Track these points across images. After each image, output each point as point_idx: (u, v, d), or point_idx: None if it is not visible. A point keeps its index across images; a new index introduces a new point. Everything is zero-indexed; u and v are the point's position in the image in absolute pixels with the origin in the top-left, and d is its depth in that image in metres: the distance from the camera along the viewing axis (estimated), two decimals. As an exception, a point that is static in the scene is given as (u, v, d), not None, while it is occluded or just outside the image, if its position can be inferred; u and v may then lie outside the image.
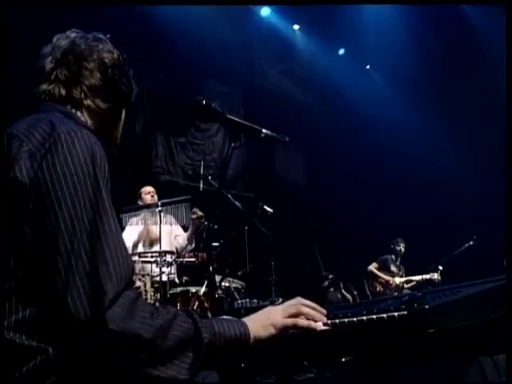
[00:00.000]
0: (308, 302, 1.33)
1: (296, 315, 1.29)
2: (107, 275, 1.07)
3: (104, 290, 1.06)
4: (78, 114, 1.33)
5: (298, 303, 1.32)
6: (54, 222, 1.07)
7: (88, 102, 1.34)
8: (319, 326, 1.28)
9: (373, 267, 7.61)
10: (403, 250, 7.69)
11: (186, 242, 5.12)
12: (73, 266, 1.06)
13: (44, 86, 1.33)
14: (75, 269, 1.06)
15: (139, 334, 1.08)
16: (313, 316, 1.30)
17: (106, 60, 1.37)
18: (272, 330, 1.26)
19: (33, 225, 1.08)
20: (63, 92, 1.32)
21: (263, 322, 1.26)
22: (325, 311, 1.31)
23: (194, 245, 5.14)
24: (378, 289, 7.46)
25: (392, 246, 7.74)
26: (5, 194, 1.10)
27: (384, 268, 7.61)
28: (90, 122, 1.36)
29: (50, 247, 1.07)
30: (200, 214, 4.74)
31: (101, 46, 1.38)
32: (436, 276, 7.15)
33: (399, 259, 7.71)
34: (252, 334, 1.23)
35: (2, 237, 1.09)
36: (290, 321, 1.28)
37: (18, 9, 4.56)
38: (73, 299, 1.05)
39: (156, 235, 4.91)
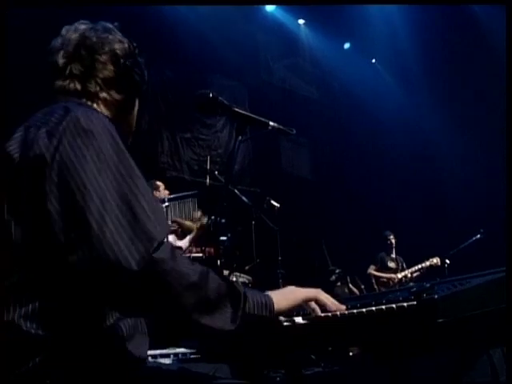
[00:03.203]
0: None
1: (315, 299, 1.33)
2: (151, 224, 1.10)
3: (151, 235, 1.08)
4: (95, 105, 1.36)
5: (319, 290, 1.35)
6: (84, 192, 1.08)
7: (103, 94, 1.37)
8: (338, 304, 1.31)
9: (372, 270, 7.48)
10: (394, 241, 7.54)
11: (187, 244, 5.16)
12: (117, 226, 1.07)
13: (59, 82, 1.35)
14: (118, 224, 1.07)
15: (188, 274, 1.11)
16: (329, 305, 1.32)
17: (118, 51, 1.39)
18: (294, 302, 1.30)
19: (59, 198, 1.09)
20: (78, 86, 1.34)
21: (286, 295, 1.31)
22: (343, 307, 1.32)
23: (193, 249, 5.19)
24: (383, 288, 7.35)
25: (385, 242, 7.56)
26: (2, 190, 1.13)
27: (382, 266, 7.48)
28: (106, 114, 1.37)
29: (82, 216, 1.07)
30: (204, 222, 4.78)
31: (111, 37, 1.39)
32: (435, 261, 7.01)
33: (394, 251, 7.61)
34: (276, 304, 1.26)
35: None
36: (313, 293, 1.32)
37: (18, 8, 4.52)
38: (123, 255, 1.05)
39: (190, 227, 5.07)
